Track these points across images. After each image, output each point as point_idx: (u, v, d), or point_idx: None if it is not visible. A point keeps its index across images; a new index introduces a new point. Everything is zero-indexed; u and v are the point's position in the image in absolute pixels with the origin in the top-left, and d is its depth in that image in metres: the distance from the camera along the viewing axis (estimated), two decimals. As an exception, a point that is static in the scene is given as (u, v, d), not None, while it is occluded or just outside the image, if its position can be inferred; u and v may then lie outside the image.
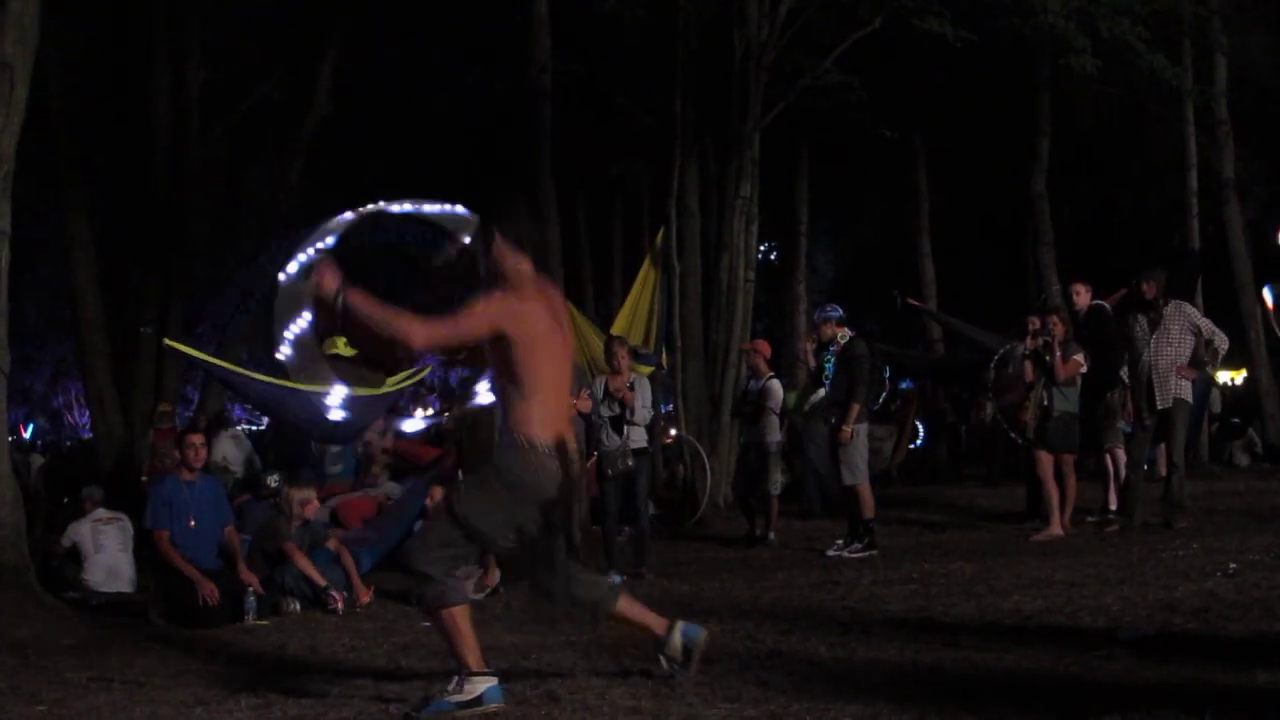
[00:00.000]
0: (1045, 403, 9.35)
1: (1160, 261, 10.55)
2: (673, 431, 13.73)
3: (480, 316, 4.27)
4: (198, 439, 8.33)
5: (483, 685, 4.24)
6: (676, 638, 4.49)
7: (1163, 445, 9.60)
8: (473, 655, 4.27)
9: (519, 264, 4.36)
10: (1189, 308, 9.58)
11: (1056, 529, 9.13)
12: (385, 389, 10.74)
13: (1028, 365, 9.51)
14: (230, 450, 12.23)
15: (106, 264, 14.06)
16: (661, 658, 4.51)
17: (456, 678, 4.24)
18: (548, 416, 4.29)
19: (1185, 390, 9.15)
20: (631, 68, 15.78)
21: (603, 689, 4.45)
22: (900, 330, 21.64)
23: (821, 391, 11.85)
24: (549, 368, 4.32)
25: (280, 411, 10.36)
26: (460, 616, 4.27)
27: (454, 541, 4.30)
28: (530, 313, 4.30)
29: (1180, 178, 17.99)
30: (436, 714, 4.19)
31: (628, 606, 4.53)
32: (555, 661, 5.02)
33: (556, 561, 4.39)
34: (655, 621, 4.54)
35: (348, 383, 10.42)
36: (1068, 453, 9.47)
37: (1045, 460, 9.33)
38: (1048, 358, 9.34)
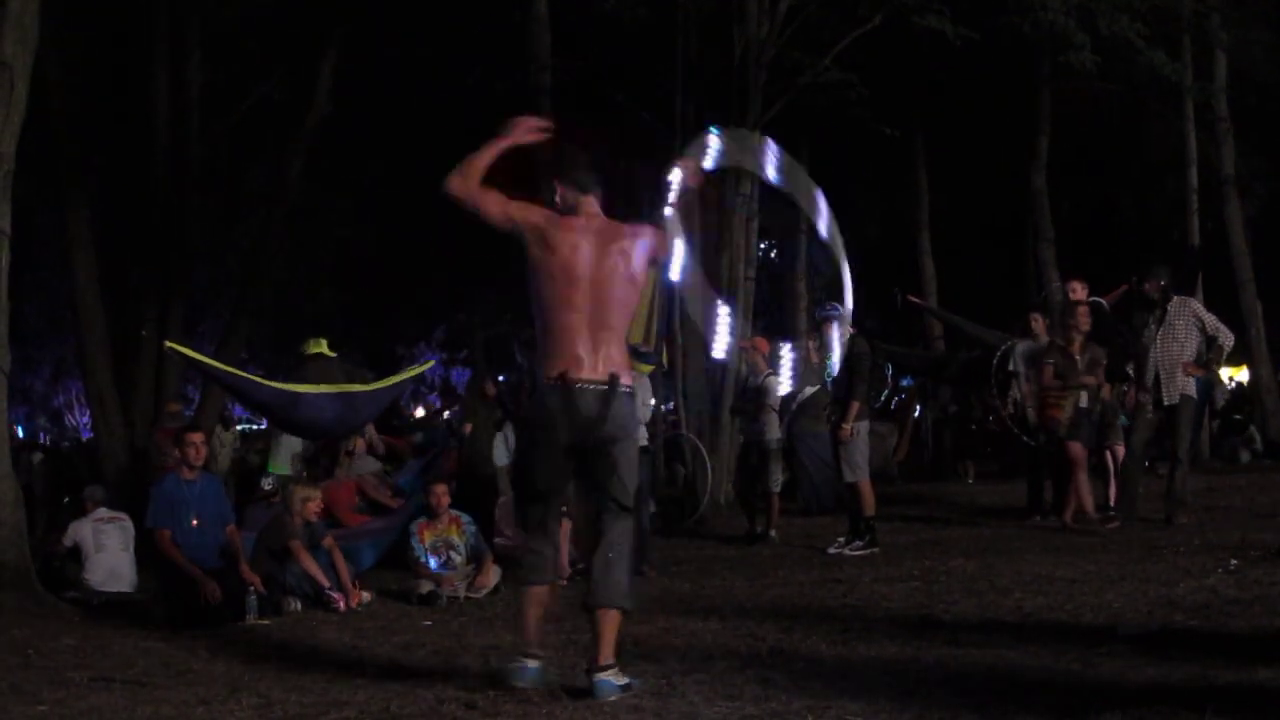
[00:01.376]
0: (1084, 404, 9.38)
1: (1161, 259, 10.56)
2: (661, 405, 13.66)
3: (519, 207, 4.54)
4: (198, 437, 8.30)
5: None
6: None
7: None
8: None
9: (575, 200, 4.63)
10: (1194, 304, 9.58)
11: (1088, 504, 9.26)
12: (385, 385, 10.74)
13: (1049, 367, 9.50)
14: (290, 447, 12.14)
15: (106, 264, 14.03)
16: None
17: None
18: (550, 349, 4.45)
19: (1191, 387, 9.15)
20: (631, 66, 15.76)
21: (604, 687, 4.44)
22: (901, 328, 21.61)
23: (809, 389, 11.86)
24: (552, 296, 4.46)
25: (279, 413, 10.34)
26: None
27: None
28: (550, 233, 4.48)
29: (1180, 174, 18.01)
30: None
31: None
32: (556, 660, 5.02)
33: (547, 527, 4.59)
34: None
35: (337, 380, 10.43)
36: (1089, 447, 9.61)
37: (1079, 451, 9.38)
38: (1082, 368, 9.38)
